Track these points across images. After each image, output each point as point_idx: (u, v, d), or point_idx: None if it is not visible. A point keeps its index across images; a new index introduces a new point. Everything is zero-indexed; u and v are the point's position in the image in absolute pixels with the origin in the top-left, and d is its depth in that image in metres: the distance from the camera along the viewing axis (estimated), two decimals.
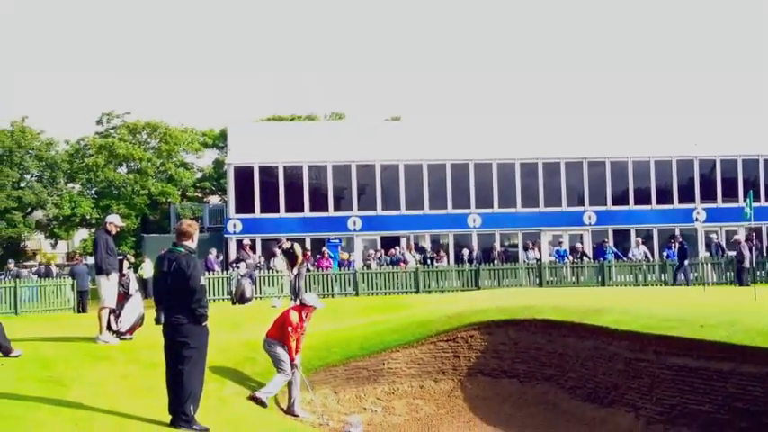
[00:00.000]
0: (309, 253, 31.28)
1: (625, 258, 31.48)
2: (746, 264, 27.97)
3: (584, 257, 32.97)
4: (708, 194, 37.80)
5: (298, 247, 21.79)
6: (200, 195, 59.45)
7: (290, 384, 12.53)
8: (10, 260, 36.40)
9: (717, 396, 10.19)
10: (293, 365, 12.37)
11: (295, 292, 21.16)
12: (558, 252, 33.81)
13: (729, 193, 37.72)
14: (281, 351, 12.35)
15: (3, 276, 31.53)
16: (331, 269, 31.30)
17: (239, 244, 31.12)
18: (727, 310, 13.29)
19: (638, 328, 12.11)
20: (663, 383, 11.11)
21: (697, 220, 31.96)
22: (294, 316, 12.57)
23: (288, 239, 23.90)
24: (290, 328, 12.41)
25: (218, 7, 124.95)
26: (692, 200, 37.59)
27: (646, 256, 32.15)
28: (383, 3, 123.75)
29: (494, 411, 13.57)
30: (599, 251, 33.23)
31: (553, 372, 13.70)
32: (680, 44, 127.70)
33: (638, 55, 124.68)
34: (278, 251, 27.46)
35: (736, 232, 35.56)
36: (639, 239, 33.72)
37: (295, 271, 21.62)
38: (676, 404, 10.78)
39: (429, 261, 32.90)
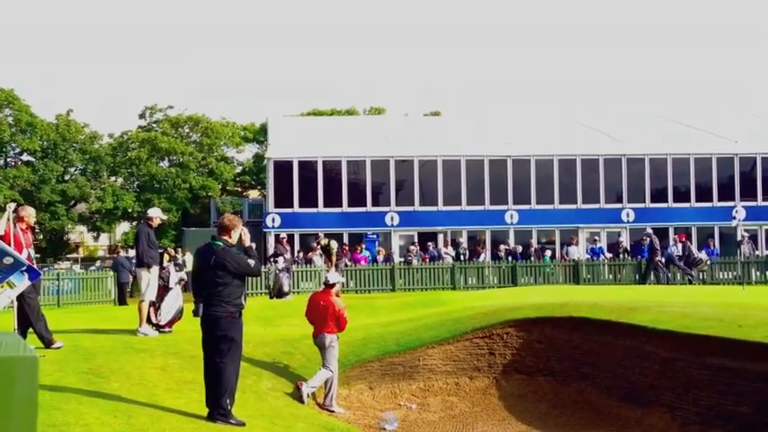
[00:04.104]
0: (347, 248, 31.47)
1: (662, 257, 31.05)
2: (658, 257, 28.76)
3: (627, 254, 32.86)
4: (748, 192, 37.23)
5: (333, 244, 22.04)
6: (239, 189, 59.83)
7: (327, 379, 12.61)
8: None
9: (755, 397, 10.07)
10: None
11: None
12: (593, 249, 33.66)
13: None
14: (335, 345, 12.53)
15: (46, 269, 32.07)
16: (367, 264, 31.43)
17: (277, 238, 31.32)
18: (767, 309, 13.15)
19: (674, 328, 12.01)
20: (700, 384, 11.00)
21: (735, 218, 31.68)
22: (338, 301, 12.77)
23: (325, 236, 24.04)
24: (345, 313, 12.68)
25: (259, 3, 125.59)
26: (732, 198, 37.08)
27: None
28: None
29: (529, 410, 13.55)
30: (637, 249, 32.99)
31: (589, 371, 13.63)
32: (722, 39, 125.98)
33: (678, 50, 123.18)
34: (317, 246, 27.69)
35: None
36: (677, 237, 33.39)
37: (332, 268, 21.84)
38: (713, 405, 10.67)
39: (464, 257, 32.89)
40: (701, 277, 30.29)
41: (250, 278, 28.61)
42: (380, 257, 33.26)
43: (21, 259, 10.32)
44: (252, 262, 8.95)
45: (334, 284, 13.01)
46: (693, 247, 31.28)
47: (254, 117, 72.58)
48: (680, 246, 31.05)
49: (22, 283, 10.27)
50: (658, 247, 29.64)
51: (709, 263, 31.06)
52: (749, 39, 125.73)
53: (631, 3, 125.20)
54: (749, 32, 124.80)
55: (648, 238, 30.54)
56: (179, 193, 51.59)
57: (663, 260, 29.74)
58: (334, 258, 21.69)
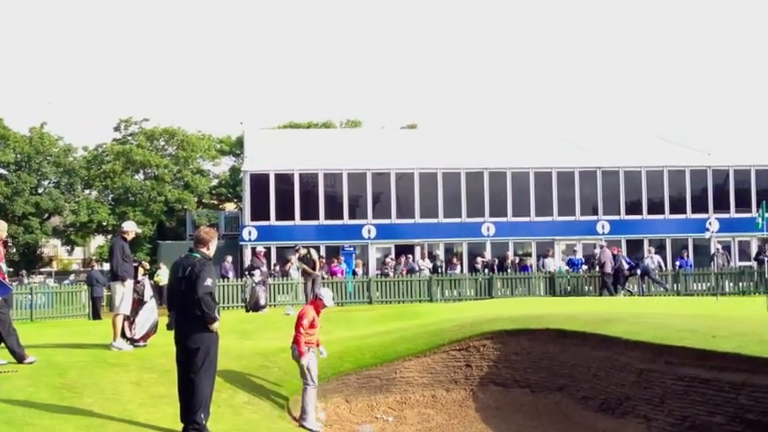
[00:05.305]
0: (324, 260, 31.45)
1: (638, 269, 31.17)
2: (608, 269, 29.20)
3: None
4: (721, 204, 37.64)
5: (314, 253, 22.16)
6: (215, 202, 59.60)
7: (303, 393, 12.44)
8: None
9: (728, 407, 10.14)
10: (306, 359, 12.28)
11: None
12: (571, 261, 33.81)
13: (742, 203, 37.55)
14: (310, 358, 12.33)
15: (18, 283, 31.74)
16: (345, 277, 31.42)
17: (253, 251, 31.21)
18: (740, 320, 13.27)
19: (649, 339, 12.09)
20: (674, 394, 11.07)
21: (708, 230, 32.09)
22: (310, 312, 12.46)
23: (303, 246, 24.05)
24: (305, 321, 12.26)
25: (236, 14, 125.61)
26: (706, 210, 37.44)
27: (659, 266, 32.17)
28: (401, 10, 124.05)
29: (505, 421, 13.56)
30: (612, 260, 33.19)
31: (565, 382, 13.68)
32: (695, 52, 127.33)
33: (653, 62, 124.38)
34: (293, 258, 27.62)
35: (748, 243, 35.92)
36: (652, 249, 33.64)
37: (310, 282, 21.91)
38: (688, 415, 10.74)
39: (440, 270, 32.96)
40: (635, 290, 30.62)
41: (226, 289, 28.72)
42: (359, 270, 33.33)
43: None
44: (212, 304, 8.72)
45: (319, 298, 12.72)
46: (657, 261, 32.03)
47: (231, 130, 72.36)
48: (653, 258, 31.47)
49: None
50: (605, 260, 30.03)
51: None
52: (724, 45, 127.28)
53: (607, 16, 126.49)
54: (730, 42, 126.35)
55: (600, 251, 31.12)
56: (154, 205, 51.30)
57: (611, 272, 30.12)
58: (317, 266, 21.85)
